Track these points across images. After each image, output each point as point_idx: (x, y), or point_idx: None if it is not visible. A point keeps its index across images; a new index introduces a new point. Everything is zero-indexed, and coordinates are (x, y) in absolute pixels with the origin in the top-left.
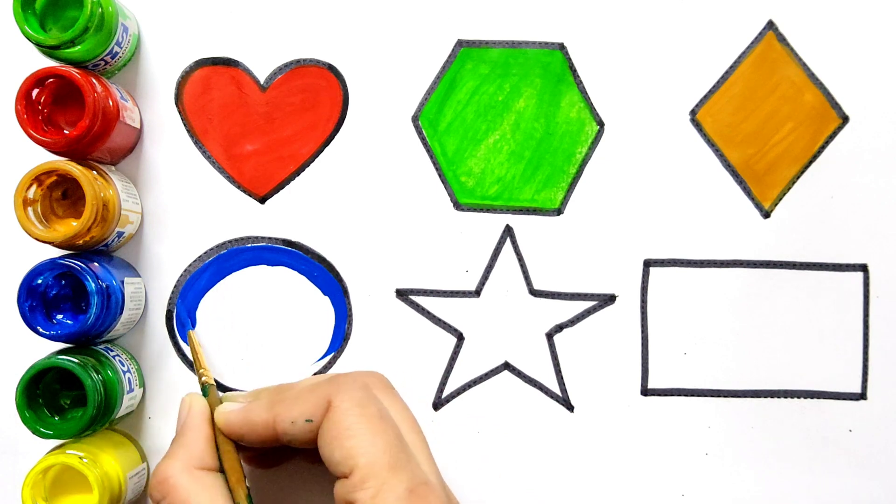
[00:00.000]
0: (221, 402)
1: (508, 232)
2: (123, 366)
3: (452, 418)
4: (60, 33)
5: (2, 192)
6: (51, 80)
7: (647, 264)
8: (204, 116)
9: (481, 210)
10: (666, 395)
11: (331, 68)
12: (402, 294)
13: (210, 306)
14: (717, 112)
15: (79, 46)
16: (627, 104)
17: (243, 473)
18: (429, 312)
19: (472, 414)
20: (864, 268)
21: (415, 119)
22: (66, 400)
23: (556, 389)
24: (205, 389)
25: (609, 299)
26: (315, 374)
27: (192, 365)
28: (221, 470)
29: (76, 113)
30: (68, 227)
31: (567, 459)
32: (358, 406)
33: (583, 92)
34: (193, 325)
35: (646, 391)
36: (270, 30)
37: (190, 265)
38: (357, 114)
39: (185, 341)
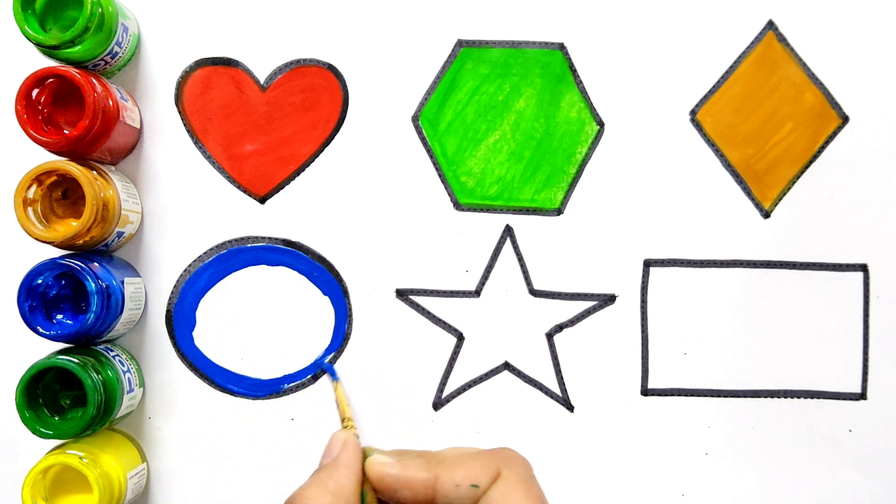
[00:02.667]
0: (367, 450)
1: (508, 232)
2: (123, 366)
3: (452, 418)
4: (60, 33)
5: (2, 192)
6: (51, 80)
7: (647, 264)
8: (204, 116)
9: (481, 210)
10: (666, 395)
11: (331, 68)
12: (402, 294)
13: (210, 306)
14: (717, 112)
15: (79, 46)
16: (627, 104)
17: None
18: (429, 312)
19: (472, 414)
20: (864, 268)
21: (415, 119)
22: (66, 400)
23: (556, 389)
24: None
25: (609, 299)
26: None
27: (192, 366)
28: None
29: (76, 113)
30: (68, 227)
31: (567, 459)
32: (525, 483)
33: (583, 92)
34: (336, 377)
35: (646, 391)
36: (270, 30)
37: (190, 265)
38: (357, 114)
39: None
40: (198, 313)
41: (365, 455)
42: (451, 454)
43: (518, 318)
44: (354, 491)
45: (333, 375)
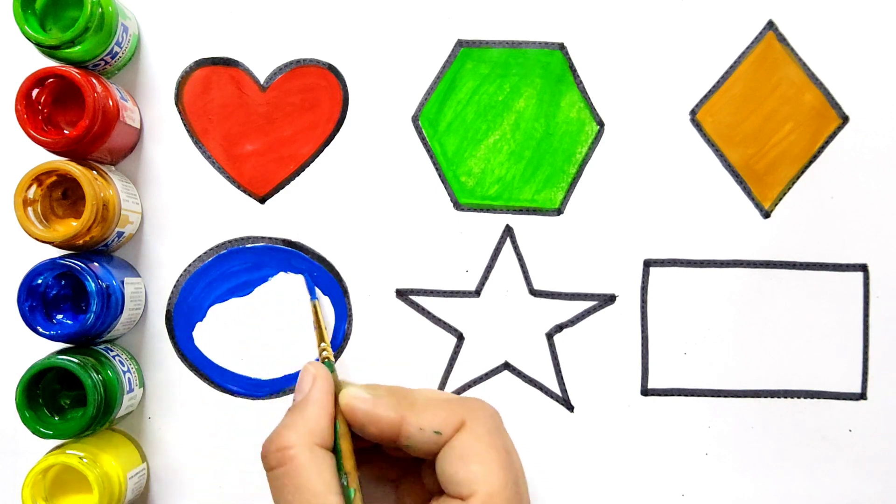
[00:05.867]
0: (341, 383)
1: (508, 232)
2: (123, 366)
3: None
4: (60, 33)
5: (2, 192)
6: (51, 80)
7: (647, 264)
8: (204, 116)
9: (481, 210)
10: (666, 395)
11: (331, 68)
12: (402, 294)
13: (216, 307)
14: (717, 112)
15: (79, 46)
16: (627, 104)
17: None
18: (429, 312)
19: None
20: (864, 268)
21: (415, 119)
22: (66, 400)
23: (556, 389)
24: (328, 365)
25: (609, 299)
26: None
27: (191, 366)
28: (333, 450)
29: (76, 113)
30: (68, 227)
31: (567, 459)
32: (489, 434)
33: (583, 92)
34: (314, 297)
35: (646, 391)
36: (270, 30)
37: (190, 265)
38: (357, 114)
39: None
40: (209, 311)
41: (339, 387)
42: (422, 397)
43: (518, 318)
44: (327, 427)
45: (312, 294)
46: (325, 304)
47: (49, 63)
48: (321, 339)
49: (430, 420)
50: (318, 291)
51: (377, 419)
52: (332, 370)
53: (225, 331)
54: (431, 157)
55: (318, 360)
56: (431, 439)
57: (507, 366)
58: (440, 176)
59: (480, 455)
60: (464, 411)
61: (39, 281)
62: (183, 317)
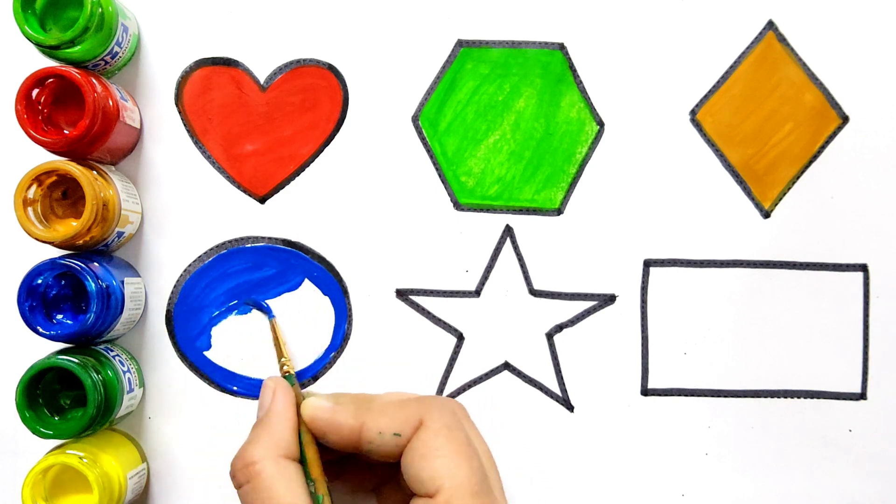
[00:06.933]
0: (303, 394)
1: (508, 232)
2: (123, 366)
3: None
4: (60, 33)
5: (2, 192)
6: (51, 80)
7: (647, 264)
8: (204, 116)
9: (481, 210)
10: (666, 395)
11: (331, 68)
12: (402, 294)
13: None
14: (717, 112)
15: (79, 46)
16: (627, 104)
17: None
18: (429, 312)
19: (472, 414)
20: (864, 268)
21: (415, 119)
22: (66, 400)
23: (556, 389)
24: (288, 378)
25: (609, 299)
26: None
27: (191, 366)
28: (300, 461)
29: (76, 113)
30: (68, 227)
31: (567, 459)
32: (447, 429)
33: (583, 92)
34: (272, 315)
35: (646, 391)
36: (270, 30)
37: (190, 265)
38: (357, 114)
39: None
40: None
41: (301, 398)
42: (381, 401)
43: (518, 318)
44: (291, 438)
45: (269, 313)
46: (329, 309)
47: (49, 63)
48: (280, 354)
49: (387, 423)
50: (272, 308)
51: (338, 427)
52: (293, 383)
53: (225, 332)
54: (431, 157)
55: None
56: (392, 441)
57: (507, 366)
58: (440, 176)
59: (440, 450)
60: (421, 410)
61: (39, 281)
62: (183, 317)
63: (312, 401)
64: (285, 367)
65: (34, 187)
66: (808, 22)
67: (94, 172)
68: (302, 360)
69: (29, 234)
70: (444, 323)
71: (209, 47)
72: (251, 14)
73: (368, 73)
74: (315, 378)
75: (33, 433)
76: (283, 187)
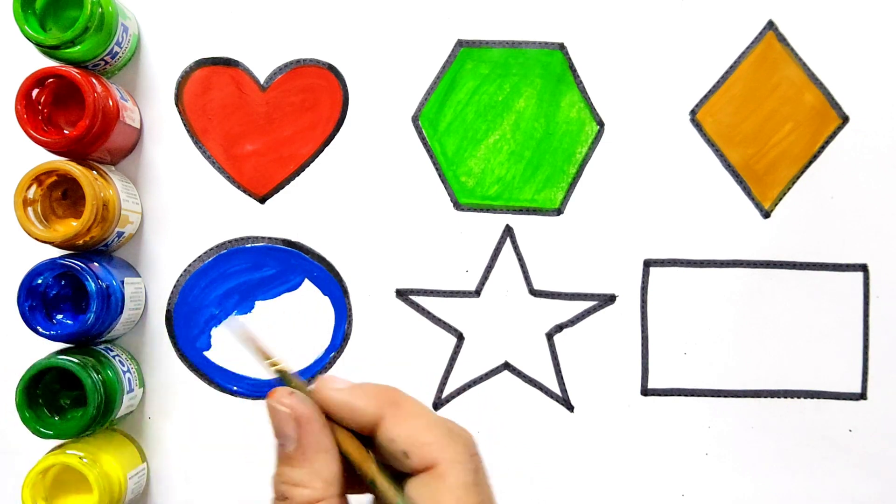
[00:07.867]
0: (303, 383)
1: (508, 232)
2: (123, 366)
3: (452, 418)
4: (60, 33)
5: (2, 192)
6: (51, 80)
7: (647, 264)
8: (204, 116)
9: (481, 210)
10: (666, 395)
11: (331, 68)
12: (402, 294)
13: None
14: (717, 112)
15: (79, 46)
16: (627, 104)
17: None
18: (429, 312)
19: (472, 414)
20: (864, 268)
21: (415, 119)
22: (66, 400)
23: (556, 389)
24: (287, 379)
25: (609, 299)
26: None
27: (191, 366)
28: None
29: (76, 113)
30: (68, 227)
31: (567, 459)
32: (464, 489)
33: (583, 92)
34: (237, 325)
35: (646, 391)
36: (270, 30)
37: (190, 265)
38: (357, 114)
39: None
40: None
41: (303, 388)
42: (410, 407)
43: (518, 318)
44: (339, 470)
45: (234, 324)
46: (327, 305)
47: (49, 63)
48: (265, 356)
49: (406, 438)
50: (240, 320)
51: (354, 412)
52: (290, 381)
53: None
54: (431, 157)
55: (278, 382)
56: (399, 454)
57: (507, 366)
58: (440, 176)
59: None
60: (441, 447)
61: (39, 281)
62: (183, 317)
63: (327, 380)
64: (277, 367)
65: (34, 187)
66: (808, 22)
67: (94, 172)
68: (302, 360)
69: (29, 234)
70: (444, 323)
71: (209, 47)
72: (251, 14)
73: (368, 73)
74: (314, 379)
75: (33, 433)
76: (283, 187)
